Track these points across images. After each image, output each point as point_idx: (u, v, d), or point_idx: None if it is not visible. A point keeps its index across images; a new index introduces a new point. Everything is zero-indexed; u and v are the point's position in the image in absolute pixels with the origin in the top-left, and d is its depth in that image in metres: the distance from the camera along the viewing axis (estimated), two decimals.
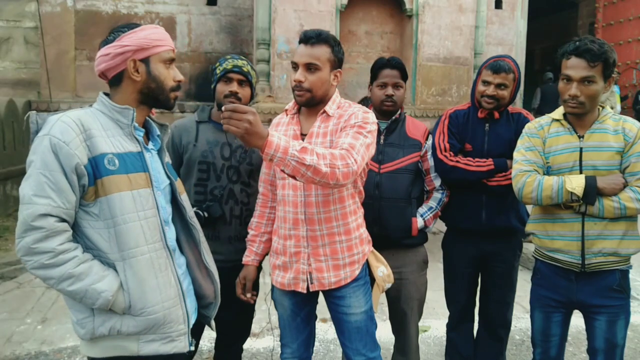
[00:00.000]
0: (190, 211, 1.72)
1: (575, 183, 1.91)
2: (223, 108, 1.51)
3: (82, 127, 1.41)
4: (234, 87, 2.19)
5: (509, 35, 7.39)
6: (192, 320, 1.67)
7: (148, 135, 1.65)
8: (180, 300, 1.56)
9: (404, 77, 2.37)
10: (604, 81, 1.93)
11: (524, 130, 2.15)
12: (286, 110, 2.02)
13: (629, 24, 10.22)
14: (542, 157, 2.05)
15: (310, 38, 1.85)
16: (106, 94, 1.55)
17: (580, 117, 2.00)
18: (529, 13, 8.05)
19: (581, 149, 1.97)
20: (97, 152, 1.42)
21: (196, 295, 1.73)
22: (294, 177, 1.63)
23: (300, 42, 1.88)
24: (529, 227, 2.16)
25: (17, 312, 3.78)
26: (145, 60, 1.51)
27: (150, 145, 1.63)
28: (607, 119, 2.00)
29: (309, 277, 1.90)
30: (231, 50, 7.73)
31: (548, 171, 2.04)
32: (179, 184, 1.71)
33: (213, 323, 1.83)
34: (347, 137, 1.76)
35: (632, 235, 1.97)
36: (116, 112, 1.50)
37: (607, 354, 2.02)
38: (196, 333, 1.85)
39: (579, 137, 1.99)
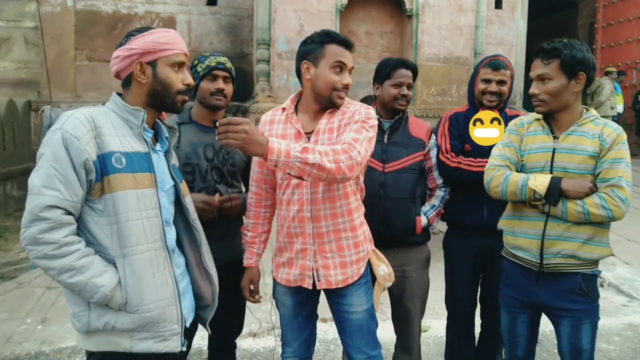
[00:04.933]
0: (193, 213, 1.75)
1: (539, 181, 1.91)
2: (217, 123, 1.51)
3: (94, 124, 1.46)
4: (220, 84, 2.17)
5: (509, 35, 7.39)
6: (189, 320, 1.69)
7: (157, 137, 1.68)
8: (176, 300, 1.58)
9: (415, 78, 2.42)
10: (568, 78, 1.90)
11: (507, 127, 2.17)
12: (284, 108, 2.00)
13: (629, 24, 10.23)
14: (517, 154, 2.06)
15: (347, 42, 1.88)
16: (119, 94, 1.59)
17: (555, 117, 1.99)
18: (529, 13, 8.06)
19: (554, 150, 1.96)
20: (106, 149, 1.46)
21: (195, 296, 1.75)
22: (300, 178, 1.65)
23: (334, 42, 1.86)
24: (500, 224, 2.16)
25: (17, 312, 3.77)
26: (153, 63, 1.55)
27: (158, 147, 1.66)
28: (587, 122, 1.96)
29: (315, 274, 1.90)
30: (231, 51, 7.74)
31: (522, 169, 2.04)
32: (183, 186, 1.74)
33: (208, 326, 1.84)
34: (350, 132, 1.79)
35: (598, 242, 1.93)
36: (127, 113, 1.55)
37: (573, 358, 2.00)
38: (188, 333, 1.86)
39: (555, 138, 1.98)
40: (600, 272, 2.01)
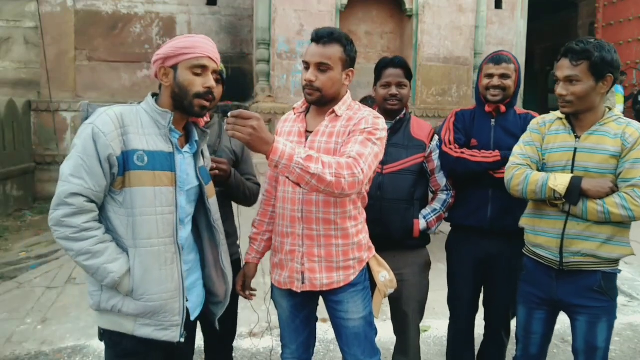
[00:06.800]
0: (216, 214, 1.83)
1: (559, 181, 1.91)
2: (229, 114, 1.53)
3: (122, 122, 1.57)
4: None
5: (509, 35, 7.40)
6: (196, 314, 1.79)
7: (187, 139, 1.76)
8: (180, 294, 1.66)
9: (408, 76, 2.36)
10: (596, 80, 1.89)
11: (529, 125, 2.17)
12: (294, 108, 2.01)
13: (629, 24, 10.22)
14: (539, 152, 2.06)
15: (322, 37, 1.83)
16: (155, 95, 1.70)
17: (579, 118, 1.98)
18: (529, 13, 8.07)
19: (575, 149, 1.96)
20: (130, 147, 1.57)
21: (209, 292, 1.85)
22: (298, 185, 1.64)
23: (312, 40, 1.87)
24: (521, 222, 2.16)
25: (17, 312, 3.77)
26: (174, 67, 1.63)
27: (186, 148, 1.74)
28: (610, 121, 1.96)
29: (302, 277, 1.89)
30: (231, 51, 7.74)
31: (543, 168, 2.04)
32: (209, 188, 1.81)
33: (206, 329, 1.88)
34: (355, 144, 1.74)
35: (618, 241, 1.93)
36: (157, 114, 1.64)
37: (587, 356, 2.00)
38: (191, 328, 1.87)
39: (576, 137, 1.98)
40: (620, 271, 2.00)
